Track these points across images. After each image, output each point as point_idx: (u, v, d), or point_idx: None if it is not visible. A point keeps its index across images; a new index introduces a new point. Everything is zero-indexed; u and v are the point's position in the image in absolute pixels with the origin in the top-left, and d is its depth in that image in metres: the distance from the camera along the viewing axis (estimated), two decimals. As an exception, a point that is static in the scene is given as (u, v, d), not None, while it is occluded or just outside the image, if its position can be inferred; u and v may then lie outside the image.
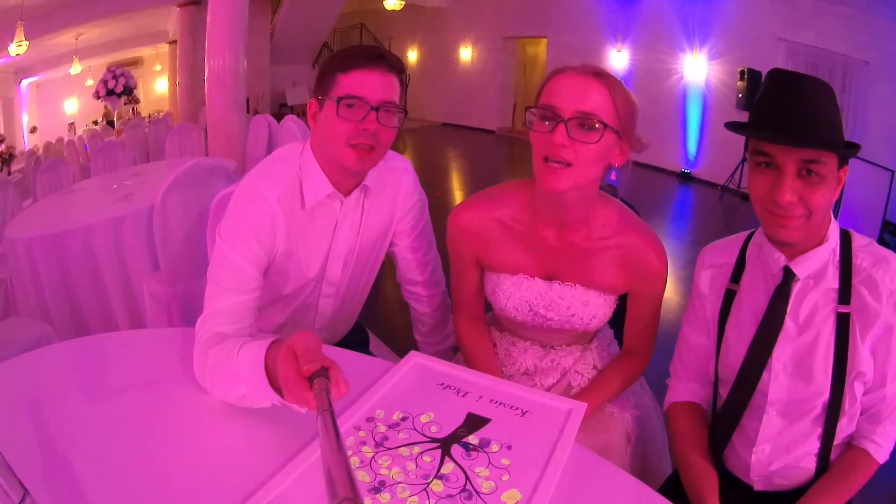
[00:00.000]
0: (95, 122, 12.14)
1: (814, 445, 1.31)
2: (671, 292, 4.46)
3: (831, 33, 7.30)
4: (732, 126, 1.30)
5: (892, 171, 6.03)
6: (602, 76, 1.35)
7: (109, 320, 3.35)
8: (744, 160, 8.34)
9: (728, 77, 8.98)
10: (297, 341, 1.01)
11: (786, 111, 1.16)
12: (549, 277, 1.57)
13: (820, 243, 1.26)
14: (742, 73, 8.32)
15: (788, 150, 1.16)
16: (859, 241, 1.28)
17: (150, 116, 13.09)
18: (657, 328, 1.63)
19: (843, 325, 1.24)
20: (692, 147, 9.81)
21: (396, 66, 1.49)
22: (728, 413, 1.37)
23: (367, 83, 1.44)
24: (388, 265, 1.89)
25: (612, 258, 1.52)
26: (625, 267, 1.52)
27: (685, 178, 9.79)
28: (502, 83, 14.58)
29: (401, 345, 1.43)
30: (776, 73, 1.21)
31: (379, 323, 3.90)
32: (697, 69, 9.53)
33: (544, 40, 13.22)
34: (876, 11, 6.79)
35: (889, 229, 6.10)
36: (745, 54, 8.52)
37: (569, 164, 1.32)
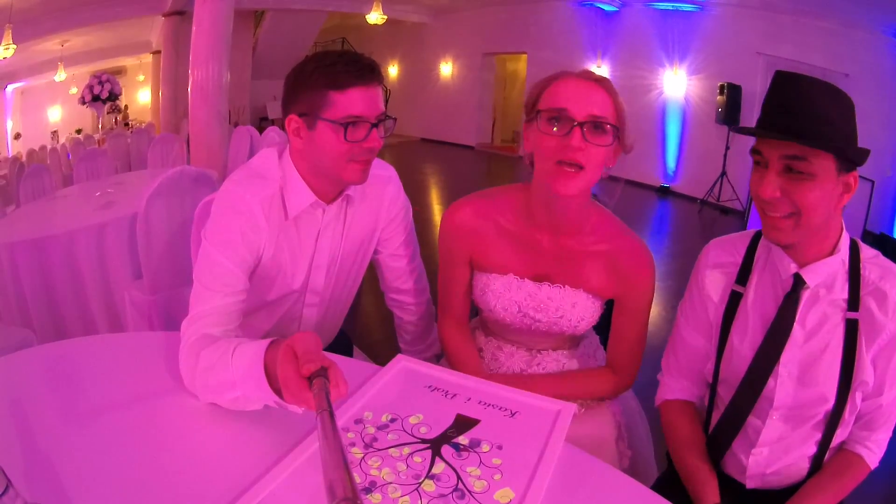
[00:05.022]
0: (79, 131, 12.03)
1: (810, 449, 1.32)
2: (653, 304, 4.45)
3: (810, 46, 7.43)
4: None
5: (873, 182, 6.12)
6: (601, 81, 1.40)
7: (90, 327, 3.31)
8: (723, 174, 8.43)
9: (707, 92, 9.08)
10: (296, 341, 1.00)
11: (776, 108, 1.17)
12: (538, 279, 1.57)
13: (831, 252, 1.26)
14: (721, 87, 8.42)
15: (772, 145, 1.17)
16: (867, 252, 1.29)
17: (130, 125, 13.01)
18: (643, 349, 1.63)
19: (851, 333, 1.25)
20: (671, 162, 9.91)
21: (379, 74, 1.49)
22: (731, 417, 1.37)
23: (366, 101, 1.43)
24: (368, 279, 1.86)
25: (602, 262, 1.54)
26: (614, 271, 1.54)
27: (664, 192, 9.89)
28: (482, 99, 14.63)
29: (383, 359, 1.42)
30: (776, 74, 1.22)
31: (359, 336, 3.88)
32: (677, 84, 9.64)
33: (524, 56, 13.31)
34: (854, 24, 6.91)
35: (869, 239, 6.17)
36: (724, 69, 8.64)
37: (581, 167, 1.36)
